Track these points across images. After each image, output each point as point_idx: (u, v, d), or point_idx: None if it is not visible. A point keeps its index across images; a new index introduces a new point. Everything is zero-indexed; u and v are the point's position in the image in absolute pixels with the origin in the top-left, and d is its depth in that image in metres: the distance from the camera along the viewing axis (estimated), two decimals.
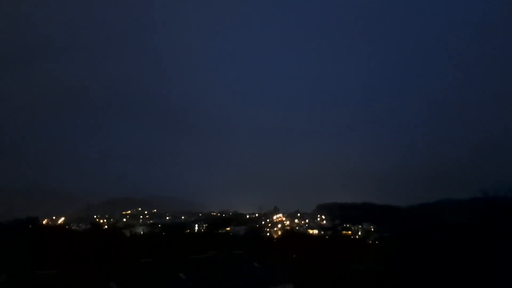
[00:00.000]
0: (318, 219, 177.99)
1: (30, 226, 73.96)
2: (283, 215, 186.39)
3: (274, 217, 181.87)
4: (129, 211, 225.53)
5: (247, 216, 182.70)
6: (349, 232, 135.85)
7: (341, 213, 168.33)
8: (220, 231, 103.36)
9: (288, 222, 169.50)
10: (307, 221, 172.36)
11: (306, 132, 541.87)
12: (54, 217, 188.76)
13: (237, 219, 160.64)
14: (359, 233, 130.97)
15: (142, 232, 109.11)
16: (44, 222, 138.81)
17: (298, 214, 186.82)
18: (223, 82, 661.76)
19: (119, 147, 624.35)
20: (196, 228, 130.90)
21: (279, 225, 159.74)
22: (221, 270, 32.56)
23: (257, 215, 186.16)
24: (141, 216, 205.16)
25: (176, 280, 30.17)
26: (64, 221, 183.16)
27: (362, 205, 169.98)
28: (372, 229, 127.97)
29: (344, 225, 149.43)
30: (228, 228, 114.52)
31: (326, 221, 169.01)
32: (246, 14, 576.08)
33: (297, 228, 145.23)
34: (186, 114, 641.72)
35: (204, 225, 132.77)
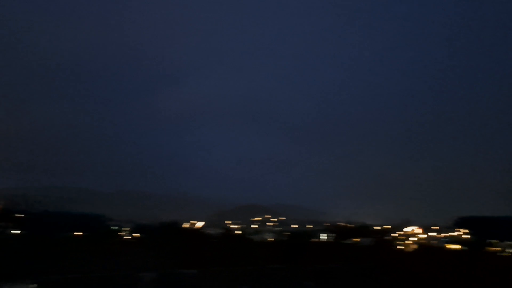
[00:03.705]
0: (458, 233, 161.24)
1: (173, 229, 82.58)
2: (416, 227, 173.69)
3: (406, 230, 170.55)
4: (258, 218, 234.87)
5: (375, 228, 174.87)
6: (497, 248, 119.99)
7: (486, 227, 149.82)
8: (347, 242, 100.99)
9: (422, 235, 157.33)
10: (444, 235, 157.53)
11: (443, 137, 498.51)
12: (192, 222, 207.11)
13: (364, 230, 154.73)
14: (508, 250, 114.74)
15: (270, 239, 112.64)
16: (184, 225, 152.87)
17: (434, 227, 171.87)
18: (350, 91, 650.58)
19: (248, 155, 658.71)
20: (323, 237, 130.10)
21: (412, 238, 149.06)
22: (347, 281, 32.13)
23: (386, 226, 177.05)
24: (268, 223, 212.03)
25: (302, 287, 30.74)
26: (201, 225, 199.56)
27: None
28: None
29: (490, 240, 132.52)
30: (355, 239, 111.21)
31: (468, 236, 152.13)
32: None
33: (432, 242, 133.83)
34: (313, 122, 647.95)
35: (331, 235, 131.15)
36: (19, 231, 71.06)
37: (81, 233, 72.97)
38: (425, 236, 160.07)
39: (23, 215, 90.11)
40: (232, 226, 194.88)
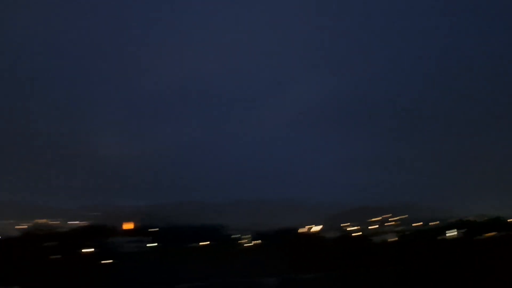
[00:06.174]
0: None
1: (291, 235, 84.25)
2: None
3: None
4: (376, 218, 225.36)
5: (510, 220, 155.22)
6: None
7: None
8: (478, 238, 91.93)
9: None
10: None
11: None
12: (308, 226, 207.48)
13: (498, 223, 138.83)
14: None
15: (391, 239, 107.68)
16: (301, 230, 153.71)
17: None
18: (449, 82, 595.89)
19: (358, 156, 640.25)
20: (450, 234, 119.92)
21: None
22: (481, 281, 29.48)
23: None
24: (388, 223, 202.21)
25: None
26: (318, 229, 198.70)
27: None
28: None
29: None
30: (488, 234, 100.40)
31: None
32: None
33: None
34: (427, 114, 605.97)
35: (461, 231, 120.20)
36: (153, 244, 79.43)
37: (206, 243, 78.82)
38: None
39: (156, 230, 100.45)
40: (349, 228, 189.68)
